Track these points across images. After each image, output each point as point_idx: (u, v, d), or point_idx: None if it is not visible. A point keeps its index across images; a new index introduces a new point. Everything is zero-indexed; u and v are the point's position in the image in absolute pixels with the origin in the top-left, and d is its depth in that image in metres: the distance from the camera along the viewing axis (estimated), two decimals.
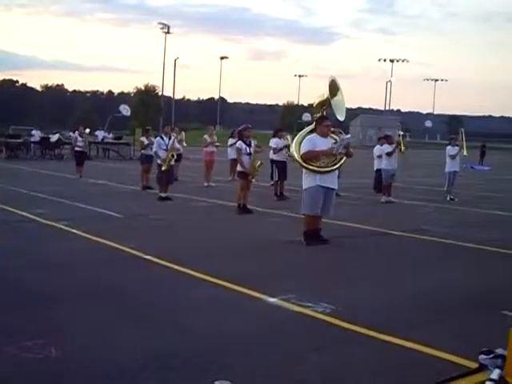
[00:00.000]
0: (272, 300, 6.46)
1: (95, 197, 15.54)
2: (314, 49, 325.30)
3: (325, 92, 10.18)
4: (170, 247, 9.13)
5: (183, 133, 22.79)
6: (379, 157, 17.82)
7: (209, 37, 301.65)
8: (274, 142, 17.22)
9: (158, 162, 15.55)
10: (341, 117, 10.28)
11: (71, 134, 34.56)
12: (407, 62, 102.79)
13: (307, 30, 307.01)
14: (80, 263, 7.98)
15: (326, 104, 10.22)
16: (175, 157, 15.80)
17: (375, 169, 18.73)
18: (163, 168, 15.19)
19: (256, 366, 4.71)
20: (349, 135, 10.42)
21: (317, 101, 10.39)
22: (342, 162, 9.75)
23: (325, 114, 10.20)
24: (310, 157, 9.55)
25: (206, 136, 21.14)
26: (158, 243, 9.47)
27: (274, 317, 6.00)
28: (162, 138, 15.90)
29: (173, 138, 15.91)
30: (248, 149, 13.45)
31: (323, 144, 9.64)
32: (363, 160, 22.21)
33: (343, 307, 6.20)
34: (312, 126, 10.20)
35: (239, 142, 13.71)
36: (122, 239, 9.36)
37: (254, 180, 13.96)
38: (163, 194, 15.29)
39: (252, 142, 13.71)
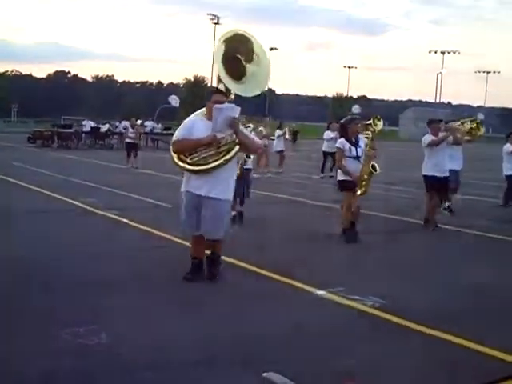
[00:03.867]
0: (320, 292, 6.44)
1: (144, 187, 15.68)
2: (364, 40, 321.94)
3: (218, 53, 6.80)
4: None
5: (286, 128, 23.59)
6: None
7: (258, 28, 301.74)
8: (326, 134, 17.50)
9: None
10: (249, 92, 6.93)
11: (118, 123, 35.04)
12: (458, 53, 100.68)
13: (357, 21, 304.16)
14: (130, 252, 8.07)
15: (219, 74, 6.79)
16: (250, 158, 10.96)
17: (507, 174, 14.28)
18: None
19: (303, 357, 4.71)
20: (232, 105, 6.58)
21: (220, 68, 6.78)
22: (230, 154, 6.60)
23: (221, 86, 6.80)
24: (181, 148, 6.70)
25: (261, 128, 21.07)
26: None
27: (323, 309, 5.99)
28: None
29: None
30: (355, 150, 9.52)
31: (205, 130, 6.61)
32: (416, 154, 21.87)
33: (392, 301, 6.15)
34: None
35: (341, 140, 9.68)
36: (171, 228, 9.43)
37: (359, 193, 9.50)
38: (239, 207, 10.81)
39: (361, 139, 9.70)
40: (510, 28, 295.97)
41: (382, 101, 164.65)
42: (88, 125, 35.45)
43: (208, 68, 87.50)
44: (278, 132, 22.25)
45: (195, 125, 6.76)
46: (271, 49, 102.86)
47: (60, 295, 6.08)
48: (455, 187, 12.95)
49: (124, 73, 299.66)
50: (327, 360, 4.68)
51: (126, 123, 26.20)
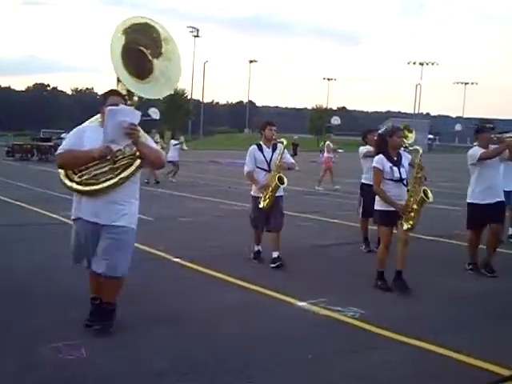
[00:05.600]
0: (301, 304, 6.45)
1: None
2: (343, 51, 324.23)
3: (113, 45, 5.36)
4: (199, 250, 9.16)
5: (182, 137, 23.07)
6: None
7: (237, 40, 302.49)
8: (366, 152, 10.40)
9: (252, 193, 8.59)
10: (157, 93, 5.84)
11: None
12: (437, 64, 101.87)
13: (336, 32, 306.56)
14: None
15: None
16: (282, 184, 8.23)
17: None
18: (262, 205, 8.25)
19: (284, 370, 4.72)
20: (130, 107, 5.23)
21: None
22: (129, 171, 5.20)
23: (120, 87, 5.52)
24: (66, 162, 5.24)
25: (328, 142, 22.23)
26: (188, 246, 9.50)
27: (303, 321, 6.00)
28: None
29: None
30: (397, 170, 7.19)
31: (99, 140, 5.10)
32: None
33: (372, 312, 6.17)
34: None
35: (380, 157, 7.27)
36: (152, 242, 9.41)
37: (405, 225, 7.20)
38: (256, 247, 8.77)
39: (405, 156, 7.45)
40: (487, 40, 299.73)
41: (362, 112, 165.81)
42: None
43: (188, 80, 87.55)
44: (172, 141, 22.37)
45: (86, 133, 5.28)
46: (251, 61, 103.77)
47: (40, 309, 6.03)
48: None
49: (104, 85, 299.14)
50: (307, 372, 4.69)
51: None
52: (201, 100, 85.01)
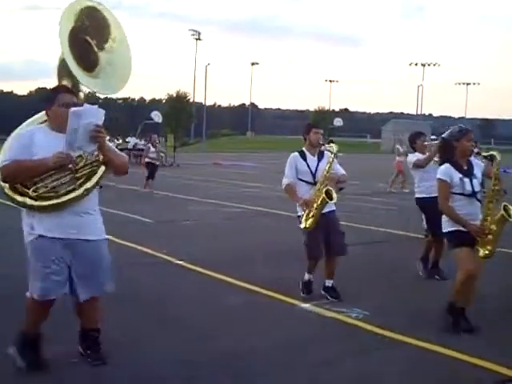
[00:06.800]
0: (305, 306, 6.43)
1: (126, 202, 15.62)
2: (345, 53, 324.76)
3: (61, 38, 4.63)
4: (201, 252, 9.14)
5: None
6: None
7: (239, 43, 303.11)
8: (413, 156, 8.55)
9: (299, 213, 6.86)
10: (113, 87, 5.16)
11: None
12: (438, 65, 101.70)
13: (338, 34, 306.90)
14: (113, 269, 8.00)
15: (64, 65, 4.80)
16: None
17: None
18: (304, 224, 6.74)
19: (288, 371, 4.69)
20: (95, 107, 4.43)
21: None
22: (94, 180, 4.52)
23: (66, 82, 4.93)
24: (15, 174, 4.40)
25: (398, 146, 22.36)
26: (190, 248, 9.48)
27: (307, 322, 5.98)
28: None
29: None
30: (469, 182, 5.78)
31: (53, 146, 4.37)
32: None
33: (377, 313, 6.15)
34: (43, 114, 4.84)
35: (446, 166, 5.87)
36: (154, 244, 9.39)
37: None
38: (307, 276, 6.97)
39: (477, 164, 6.05)
40: (489, 40, 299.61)
41: (364, 113, 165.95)
42: None
43: (190, 83, 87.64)
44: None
45: (35, 138, 4.44)
46: (252, 63, 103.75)
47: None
48: None
49: None
50: (311, 373, 4.66)
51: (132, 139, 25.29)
52: (203, 103, 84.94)
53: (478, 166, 6.02)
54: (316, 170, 6.77)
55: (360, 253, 9.48)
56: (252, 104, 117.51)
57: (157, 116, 45.48)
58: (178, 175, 25.97)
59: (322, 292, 6.82)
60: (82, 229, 4.52)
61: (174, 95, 59.83)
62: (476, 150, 6.88)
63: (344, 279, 7.73)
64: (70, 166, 4.36)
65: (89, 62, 4.82)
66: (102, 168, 4.54)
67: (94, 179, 4.49)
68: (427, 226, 8.14)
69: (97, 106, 4.45)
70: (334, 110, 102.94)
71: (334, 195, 6.57)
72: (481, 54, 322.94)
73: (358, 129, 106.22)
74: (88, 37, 4.87)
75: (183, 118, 54.87)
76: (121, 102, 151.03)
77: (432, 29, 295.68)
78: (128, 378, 4.49)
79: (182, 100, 64.97)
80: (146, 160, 19.66)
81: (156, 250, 9.02)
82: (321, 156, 6.90)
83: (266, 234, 11.48)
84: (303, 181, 6.81)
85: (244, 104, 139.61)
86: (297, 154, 6.91)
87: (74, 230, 4.47)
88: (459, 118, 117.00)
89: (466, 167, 5.85)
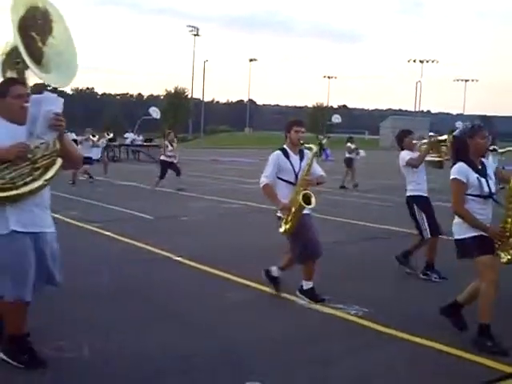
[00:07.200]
0: (303, 302, 6.44)
1: (125, 199, 15.61)
2: (343, 50, 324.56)
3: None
4: (200, 249, 9.15)
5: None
6: None
7: (237, 39, 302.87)
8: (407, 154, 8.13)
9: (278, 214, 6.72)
10: (67, 78, 5.03)
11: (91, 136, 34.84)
12: (437, 62, 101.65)
13: (336, 31, 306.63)
14: (113, 265, 8.02)
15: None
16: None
17: None
18: (283, 228, 6.55)
19: (286, 368, 4.70)
20: (54, 95, 4.35)
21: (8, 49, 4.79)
22: (53, 171, 4.40)
23: (11, 74, 4.77)
24: None
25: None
26: (189, 245, 9.49)
27: (306, 319, 5.98)
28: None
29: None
30: (486, 183, 5.34)
31: (10, 136, 4.26)
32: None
33: (376, 310, 6.15)
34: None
35: (460, 165, 5.38)
36: (153, 240, 9.41)
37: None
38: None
39: (490, 164, 5.72)
40: (487, 37, 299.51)
41: (363, 110, 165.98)
42: (70, 137, 35.26)
43: (188, 79, 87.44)
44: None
45: None
46: (251, 60, 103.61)
47: (41, 309, 6.01)
48: None
49: (104, 85, 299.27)
50: (309, 370, 4.67)
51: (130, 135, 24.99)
52: (201, 99, 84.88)
53: (489, 165, 5.64)
54: (299, 170, 6.54)
55: (359, 249, 9.51)
56: (250, 100, 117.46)
57: (155, 112, 45.49)
58: None
59: (299, 294, 6.61)
60: (45, 221, 4.53)
61: (173, 91, 59.86)
62: (492, 148, 6.32)
63: (343, 276, 7.76)
64: (30, 156, 4.24)
65: (36, 54, 4.63)
66: (59, 160, 4.44)
67: (53, 170, 4.40)
68: (427, 224, 7.75)
69: (56, 95, 4.32)
70: (332, 107, 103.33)
71: (313, 200, 6.34)
72: (479, 51, 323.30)
73: (356, 125, 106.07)
74: (33, 32, 4.66)
75: (181, 114, 55.18)
76: (119, 97, 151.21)
77: (430, 25, 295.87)
78: (127, 373, 4.50)
79: (180, 96, 65.38)
80: (162, 158, 18.57)
81: (154, 246, 9.03)
82: (301, 155, 6.68)
83: (264, 230, 11.46)
84: (284, 180, 6.57)
85: (242, 100, 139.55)
86: (279, 152, 6.64)
87: (40, 222, 4.47)
88: (457, 114, 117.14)
89: (480, 167, 5.43)
